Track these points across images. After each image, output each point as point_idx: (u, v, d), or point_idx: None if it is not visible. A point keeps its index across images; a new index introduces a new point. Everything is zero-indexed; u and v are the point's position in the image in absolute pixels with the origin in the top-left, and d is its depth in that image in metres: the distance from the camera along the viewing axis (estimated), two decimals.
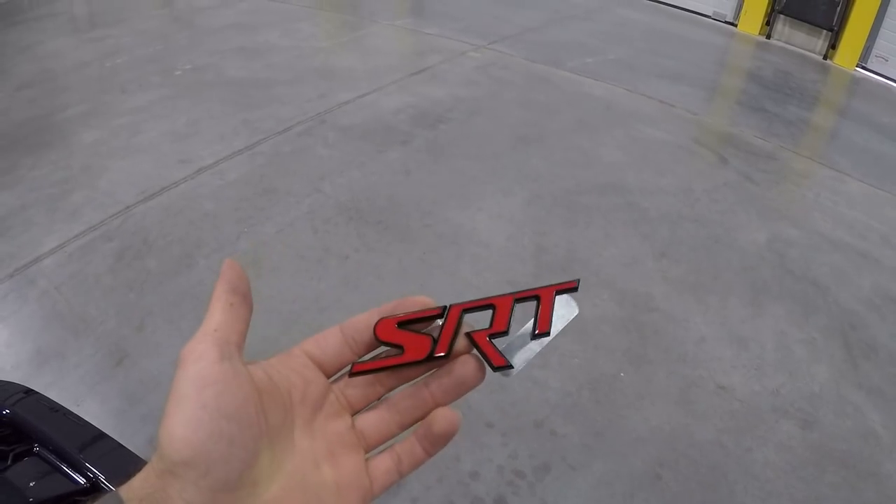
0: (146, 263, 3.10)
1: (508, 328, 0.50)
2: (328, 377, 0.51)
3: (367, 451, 0.51)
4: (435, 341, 0.49)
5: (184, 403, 0.41)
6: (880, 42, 6.84)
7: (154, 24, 6.29)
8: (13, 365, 2.59)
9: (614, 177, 4.15)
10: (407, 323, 0.49)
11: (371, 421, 0.52)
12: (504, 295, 0.50)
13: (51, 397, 1.13)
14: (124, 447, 1.05)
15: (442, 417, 0.50)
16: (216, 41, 5.82)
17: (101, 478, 0.97)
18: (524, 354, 0.50)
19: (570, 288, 0.50)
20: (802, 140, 5.24)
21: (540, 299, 0.50)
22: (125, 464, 1.02)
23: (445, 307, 0.49)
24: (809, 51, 7.40)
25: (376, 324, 0.49)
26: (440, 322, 0.50)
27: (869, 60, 6.97)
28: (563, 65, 5.86)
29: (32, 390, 1.14)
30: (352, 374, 0.50)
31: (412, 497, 2.18)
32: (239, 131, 4.24)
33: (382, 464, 0.51)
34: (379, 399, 0.52)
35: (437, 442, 0.50)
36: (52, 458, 1.00)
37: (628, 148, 4.53)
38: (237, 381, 0.44)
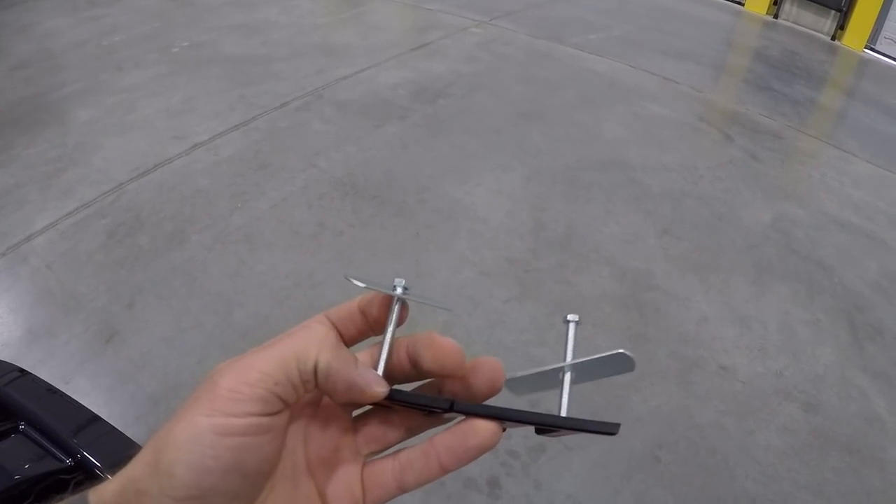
0: (138, 240, 3.05)
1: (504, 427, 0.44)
2: None
3: (366, 456, 0.45)
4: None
5: (196, 444, 0.36)
6: (889, 24, 6.74)
7: (152, 2, 6.20)
8: (3, 343, 2.56)
9: (616, 153, 4.09)
10: (405, 405, 0.44)
11: (374, 422, 0.46)
12: (521, 421, 0.43)
13: (40, 375, 1.11)
14: (117, 430, 1.03)
15: (484, 429, 0.42)
16: (215, 18, 5.75)
17: (91, 458, 0.95)
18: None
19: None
20: (809, 120, 5.16)
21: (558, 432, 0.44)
22: (118, 447, 1.00)
23: (451, 404, 0.43)
24: (817, 31, 7.29)
25: None
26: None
27: (878, 42, 6.87)
28: (566, 41, 5.78)
29: (27, 371, 1.13)
30: None
31: None
32: (235, 107, 4.18)
33: (380, 474, 0.44)
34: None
35: (464, 457, 0.43)
36: (38, 437, 0.98)
37: (631, 124, 4.47)
38: (268, 436, 0.38)
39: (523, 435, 2.28)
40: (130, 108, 4.17)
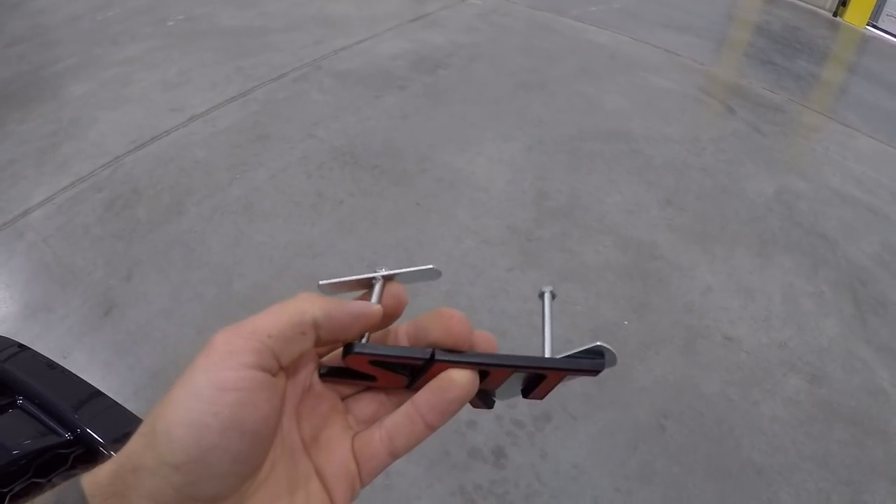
0: (135, 212, 3.02)
1: (493, 399, 0.46)
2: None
3: (357, 430, 0.46)
4: (410, 384, 0.45)
5: (194, 402, 0.36)
6: (892, 1, 6.66)
7: None
8: (0, 318, 2.53)
9: (618, 124, 4.05)
10: (383, 364, 0.43)
11: (364, 402, 0.47)
12: (504, 365, 0.44)
13: (38, 350, 1.10)
14: (119, 405, 1.03)
15: (461, 377, 0.42)
16: None
17: (92, 434, 0.95)
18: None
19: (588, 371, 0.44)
20: (811, 94, 5.12)
21: (547, 378, 0.45)
22: (119, 422, 1.00)
23: (432, 355, 0.43)
24: (819, 7, 7.22)
25: (346, 358, 0.43)
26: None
27: (880, 19, 6.80)
28: (567, 12, 5.72)
29: (26, 346, 1.12)
30: (322, 376, 0.45)
31: None
32: (232, 79, 4.12)
33: (369, 445, 0.44)
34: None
35: (446, 410, 0.43)
36: (36, 411, 0.98)
37: (633, 95, 4.43)
38: (265, 393, 0.38)
39: (528, 404, 2.27)
40: (126, 81, 4.11)
